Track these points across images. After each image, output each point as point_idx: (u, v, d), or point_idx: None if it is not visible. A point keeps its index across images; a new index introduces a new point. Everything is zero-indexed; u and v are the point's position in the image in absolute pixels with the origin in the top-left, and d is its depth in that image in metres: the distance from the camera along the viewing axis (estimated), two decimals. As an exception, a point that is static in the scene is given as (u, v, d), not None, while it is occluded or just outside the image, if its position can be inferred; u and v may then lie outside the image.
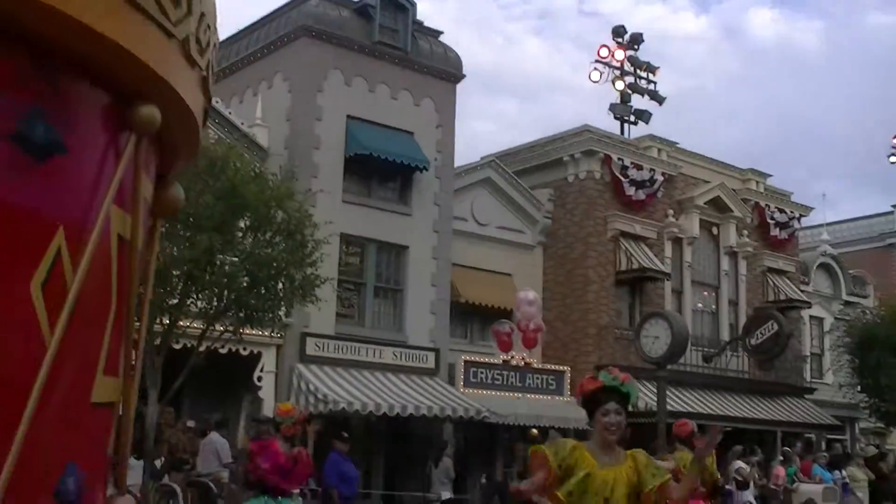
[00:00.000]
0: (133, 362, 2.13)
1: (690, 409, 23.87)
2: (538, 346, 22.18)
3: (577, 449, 5.22)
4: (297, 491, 10.38)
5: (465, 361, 21.62)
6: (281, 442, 9.44)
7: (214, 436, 15.21)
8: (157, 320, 14.10)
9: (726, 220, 27.72)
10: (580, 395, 5.46)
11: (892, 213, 37.86)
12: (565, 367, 23.39)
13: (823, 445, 28.08)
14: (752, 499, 19.39)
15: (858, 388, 27.58)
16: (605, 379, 5.38)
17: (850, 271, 33.74)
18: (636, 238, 25.32)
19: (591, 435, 5.40)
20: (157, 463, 14.27)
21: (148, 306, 2.25)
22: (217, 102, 20.01)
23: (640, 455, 5.36)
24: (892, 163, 39.05)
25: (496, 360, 22.06)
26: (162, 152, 2.10)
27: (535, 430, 20.93)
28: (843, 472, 22.43)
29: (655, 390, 20.20)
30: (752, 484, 19.89)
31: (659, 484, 5.20)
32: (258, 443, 9.67)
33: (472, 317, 23.63)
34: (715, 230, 27.78)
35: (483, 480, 18.55)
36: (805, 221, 31.33)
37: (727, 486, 19.57)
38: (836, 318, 31.42)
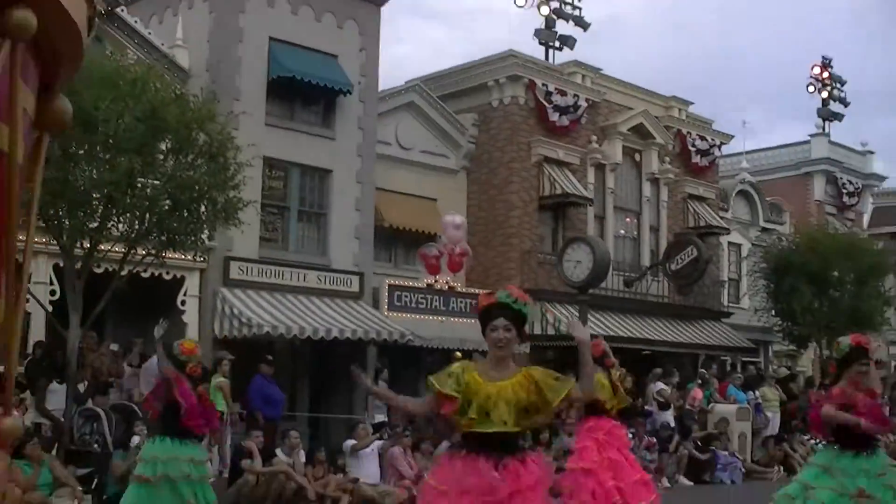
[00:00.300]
0: (19, 284, 2.07)
1: (611, 333, 24.29)
2: (462, 271, 22.32)
3: (466, 370, 5.27)
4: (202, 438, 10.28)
5: (390, 285, 21.69)
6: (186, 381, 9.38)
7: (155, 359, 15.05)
8: (78, 244, 13.93)
9: (648, 146, 27.99)
10: (478, 311, 5.55)
11: (808, 142, 38.53)
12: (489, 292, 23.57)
13: (738, 367, 28.88)
14: (671, 419, 19.93)
15: (773, 312, 28.34)
16: (500, 296, 5.45)
17: (768, 199, 34.41)
18: (559, 163, 25.47)
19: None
20: (81, 387, 14.19)
21: (34, 226, 2.18)
22: (136, 22, 19.60)
23: (536, 371, 5.38)
24: (811, 93, 39.67)
25: (420, 284, 22.17)
26: (44, 62, 2.01)
27: (458, 354, 21.16)
28: (757, 393, 23.13)
29: (577, 314, 20.54)
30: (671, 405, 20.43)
31: (561, 399, 5.24)
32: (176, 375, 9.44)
33: (396, 241, 23.68)
34: (637, 157, 28.04)
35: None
36: (725, 149, 31.73)
37: (647, 408, 20.12)
38: (753, 245, 32.11)
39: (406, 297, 21.85)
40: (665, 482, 18.76)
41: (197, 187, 14.04)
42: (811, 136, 38.76)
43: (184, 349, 9.51)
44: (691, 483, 19.16)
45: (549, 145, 25.22)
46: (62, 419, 13.34)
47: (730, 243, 32.14)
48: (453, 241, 21.51)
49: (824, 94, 39.62)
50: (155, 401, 9.53)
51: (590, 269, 19.57)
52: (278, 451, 13.98)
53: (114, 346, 16.46)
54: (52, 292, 16.44)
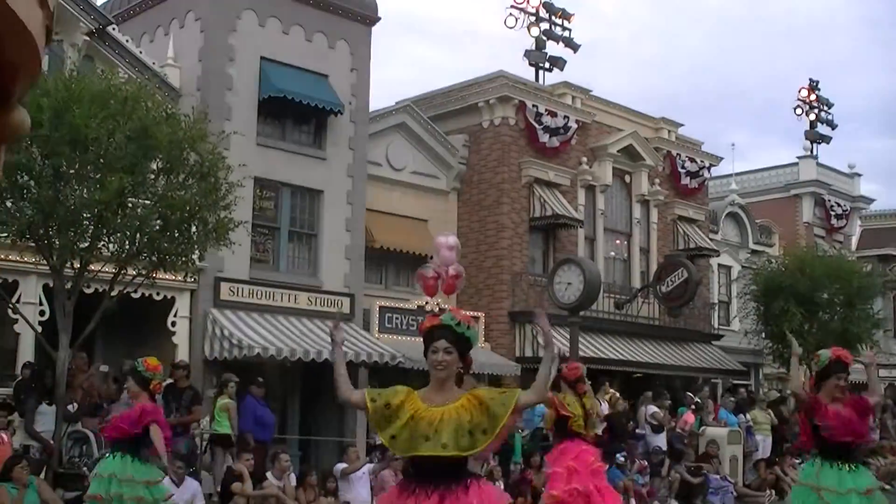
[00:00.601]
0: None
1: (602, 355, 24.28)
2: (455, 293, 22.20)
3: (409, 395, 5.19)
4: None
5: (380, 307, 21.59)
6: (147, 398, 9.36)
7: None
8: (68, 264, 13.80)
9: (638, 168, 28.02)
10: (420, 331, 5.47)
11: (797, 164, 38.65)
12: (479, 314, 23.53)
13: (729, 390, 28.82)
14: (662, 443, 19.83)
15: (763, 334, 28.31)
16: (443, 318, 5.36)
17: (757, 221, 34.46)
18: (550, 185, 25.46)
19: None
20: (70, 408, 14.04)
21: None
22: (128, 41, 19.51)
23: (481, 391, 5.28)
24: (798, 115, 39.83)
25: (411, 306, 22.08)
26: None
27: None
28: (748, 416, 23.06)
29: (568, 336, 20.46)
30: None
31: (511, 410, 5.13)
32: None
33: (387, 262, 23.59)
34: (627, 178, 28.06)
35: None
36: (714, 171, 31.82)
37: (639, 431, 20.01)
38: (742, 267, 32.15)
39: (397, 318, 21.76)
40: (657, 506, 18.66)
41: (188, 207, 13.93)
42: (799, 158, 38.88)
43: (148, 366, 9.50)
44: (683, 507, 19.05)
45: (540, 166, 25.20)
46: (51, 441, 13.17)
47: (720, 265, 32.14)
48: (446, 263, 21.36)
49: (811, 117, 39.80)
50: (126, 424, 9.35)
51: (580, 291, 19.48)
52: (269, 475, 13.86)
53: (104, 368, 16.32)
54: (42, 312, 16.29)
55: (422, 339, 5.37)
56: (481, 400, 5.12)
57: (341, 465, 14.47)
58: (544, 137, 25.17)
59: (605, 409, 19.73)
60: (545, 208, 25.01)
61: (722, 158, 31.65)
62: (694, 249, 28.72)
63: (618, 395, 19.71)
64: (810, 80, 40.39)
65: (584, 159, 26.56)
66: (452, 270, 21.44)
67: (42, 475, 12.58)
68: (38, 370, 14.96)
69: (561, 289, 19.88)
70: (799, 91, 39.90)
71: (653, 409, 20.44)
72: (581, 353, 20.25)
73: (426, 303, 22.12)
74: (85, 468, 13.37)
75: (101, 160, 13.28)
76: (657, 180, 28.50)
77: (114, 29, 19.30)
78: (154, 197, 14.02)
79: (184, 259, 14.55)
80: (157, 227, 13.95)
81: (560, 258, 22.92)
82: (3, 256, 14.77)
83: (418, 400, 5.15)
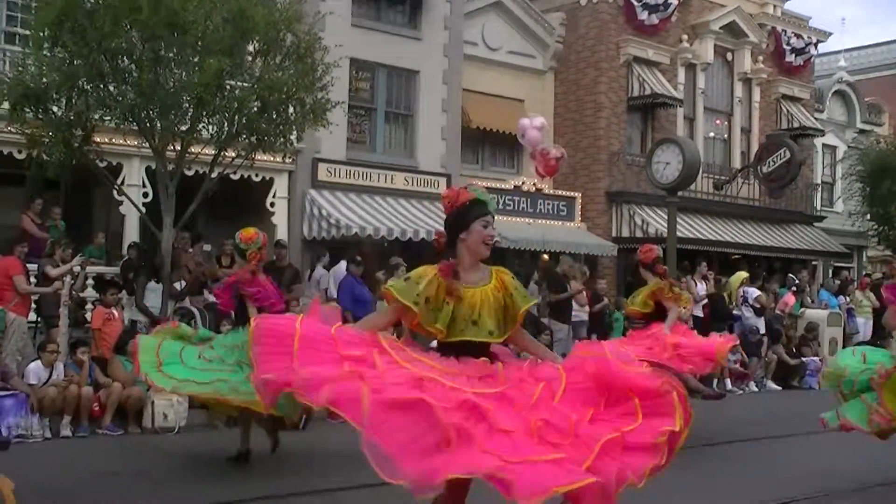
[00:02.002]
0: None
1: (700, 236, 24.05)
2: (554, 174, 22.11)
3: (438, 278, 4.77)
4: None
5: (476, 188, 21.56)
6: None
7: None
8: (170, 146, 14.09)
9: (741, 45, 27.23)
10: (455, 206, 4.92)
11: (909, 39, 37.15)
12: (576, 194, 23.43)
13: (830, 273, 28.38)
14: (761, 325, 19.71)
15: (868, 216, 27.65)
16: (480, 194, 4.98)
17: (866, 99, 33.32)
18: (649, 63, 24.93)
19: (458, 253, 4.90)
20: (177, 286, 14.49)
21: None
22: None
23: (506, 275, 4.93)
24: (914, -14, 38.08)
25: (507, 186, 22.07)
26: None
27: (545, 256, 21.16)
28: (849, 299, 22.74)
29: (666, 217, 20.29)
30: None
31: (527, 307, 4.89)
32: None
33: (482, 143, 23.54)
34: (729, 56, 27.32)
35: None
36: (822, 48, 30.73)
37: (735, 312, 19.90)
38: (849, 147, 31.26)
39: (493, 198, 21.73)
40: (752, 386, 18.67)
41: (285, 88, 14.00)
42: (912, 32, 37.28)
43: (243, 237, 9.41)
44: (779, 388, 19.02)
45: (639, 44, 24.66)
46: (160, 317, 13.64)
47: (824, 145, 31.33)
48: (534, 143, 21.23)
49: (928, -11, 38.01)
50: (228, 295, 9.53)
51: (679, 171, 19.14)
52: (366, 351, 14.11)
53: (207, 247, 16.73)
54: (145, 195, 16.74)
55: (453, 213, 4.92)
56: (507, 286, 4.86)
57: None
58: (643, 15, 24.57)
59: (702, 290, 19.64)
60: (644, 87, 24.56)
61: (830, 34, 30.48)
62: (797, 129, 27.98)
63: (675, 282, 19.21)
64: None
65: (685, 37, 25.90)
66: (556, 152, 21.37)
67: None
68: (144, 250, 15.43)
69: (659, 168, 19.57)
70: (915, -39, 38.08)
71: (755, 291, 20.25)
72: (679, 234, 20.07)
73: (522, 182, 22.14)
74: (190, 344, 13.84)
75: (199, 43, 13.38)
76: (760, 58, 27.69)
77: None
78: (251, 79, 14.14)
79: (282, 140, 14.70)
80: (255, 109, 14.09)
81: (659, 138, 22.56)
82: (107, 140, 15.10)
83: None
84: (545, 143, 21.12)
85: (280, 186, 19.01)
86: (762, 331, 19.53)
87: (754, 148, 26.40)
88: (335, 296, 15.69)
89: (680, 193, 20.35)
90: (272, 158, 16.59)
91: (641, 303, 11.20)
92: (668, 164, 19.54)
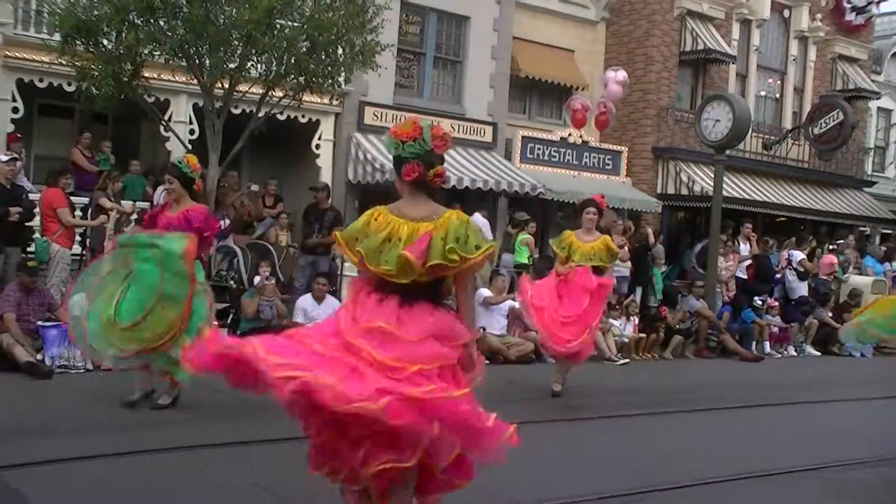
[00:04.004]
0: None
1: (746, 196, 23.78)
2: (584, 127, 21.97)
3: (377, 213, 4.82)
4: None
5: (523, 137, 21.46)
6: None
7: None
8: (218, 84, 14.07)
9: (799, 2, 26.68)
10: (404, 138, 4.81)
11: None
12: (623, 148, 23.20)
13: (878, 239, 27.99)
14: (804, 290, 19.53)
15: (920, 182, 27.23)
16: (424, 125, 4.84)
17: (926, 61, 32.61)
18: (703, 18, 24.50)
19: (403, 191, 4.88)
20: (221, 224, 14.54)
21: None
22: None
23: (453, 219, 4.73)
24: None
25: (554, 137, 21.90)
26: None
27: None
28: (894, 265, 22.44)
29: (712, 175, 20.07)
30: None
31: (472, 257, 4.64)
32: None
33: (531, 92, 23.32)
34: (786, 13, 26.79)
35: (536, 255, 18.75)
36: (884, 7, 30.09)
37: (777, 275, 19.73)
38: (904, 110, 30.69)
39: (539, 149, 21.62)
40: (791, 350, 18.53)
41: (335, 29, 13.91)
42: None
43: (189, 162, 8.81)
44: (818, 353, 18.85)
45: (694, -2, 24.27)
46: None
47: (879, 108, 30.74)
48: (613, 98, 21.03)
49: None
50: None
51: (728, 129, 18.90)
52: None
53: (254, 187, 16.78)
54: (192, 131, 16.77)
55: (403, 147, 4.82)
56: (447, 228, 4.68)
57: (485, 293, 14.58)
58: (700, -33, 24.13)
59: (745, 250, 19.47)
60: (697, 42, 24.16)
61: (892, -6, 29.83)
62: (852, 90, 27.42)
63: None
64: None
65: (742, -9, 25.45)
66: (609, 105, 21.07)
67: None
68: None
69: (708, 125, 19.34)
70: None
71: (799, 255, 20.04)
72: (724, 193, 19.85)
73: (569, 134, 21.93)
74: (232, 282, 13.94)
75: (251, -21, 13.31)
76: (819, 15, 27.12)
77: None
78: (301, 18, 14.05)
79: (330, 81, 14.63)
80: (304, 49, 14.02)
81: (709, 94, 22.24)
82: (155, 75, 15.11)
83: (388, 214, 4.80)
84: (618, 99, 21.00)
85: (326, 128, 18.97)
86: (805, 294, 19.38)
87: (806, 108, 25.93)
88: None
89: (728, 152, 20.12)
90: (319, 100, 16.53)
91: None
92: (718, 122, 19.31)
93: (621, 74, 21.17)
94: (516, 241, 17.55)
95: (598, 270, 10.58)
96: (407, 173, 4.81)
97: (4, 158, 12.55)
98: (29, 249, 12.66)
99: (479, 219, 16.98)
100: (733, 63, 25.08)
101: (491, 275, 15.19)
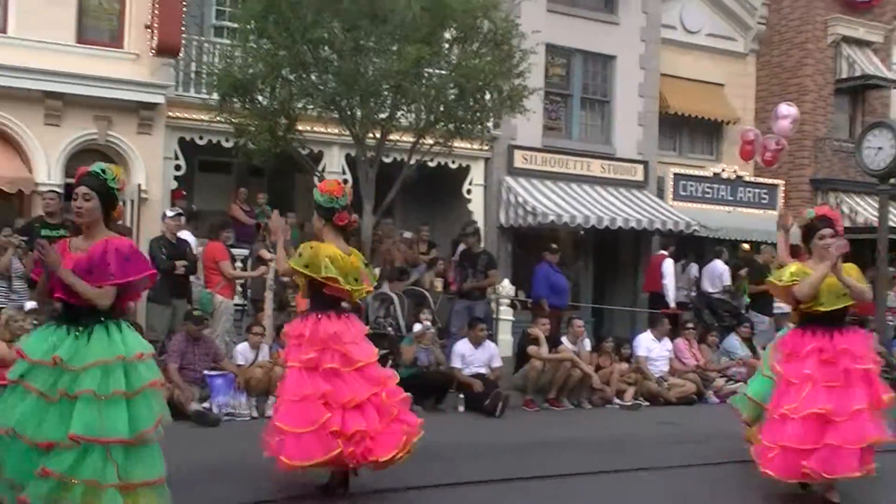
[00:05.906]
0: None
1: (913, 225, 22.77)
2: (751, 160, 21.44)
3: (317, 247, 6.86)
4: None
5: (675, 174, 21.13)
6: None
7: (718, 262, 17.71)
8: (369, 134, 14.32)
9: (962, 21, 25.64)
10: (337, 194, 7.00)
11: None
12: (779, 181, 22.58)
13: None
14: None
15: None
16: (347, 185, 7.25)
17: None
18: (860, 43, 23.76)
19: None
20: (376, 272, 14.71)
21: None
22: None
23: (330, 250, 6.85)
24: None
25: (706, 173, 21.50)
26: None
27: (746, 245, 20.47)
28: None
29: (876, 205, 19.32)
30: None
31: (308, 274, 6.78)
32: None
33: (681, 128, 22.97)
34: (949, 33, 25.77)
35: (693, 293, 18.35)
36: None
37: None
38: None
39: (692, 186, 21.26)
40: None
41: (482, 75, 13.99)
42: None
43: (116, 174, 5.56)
44: None
45: (848, 23, 23.54)
46: (359, 302, 13.88)
47: None
48: (782, 133, 20.50)
49: None
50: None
51: (892, 157, 18.14)
52: (563, 339, 14.03)
53: (407, 234, 16.95)
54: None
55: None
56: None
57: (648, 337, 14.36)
58: (853, -9, 23.47)
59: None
60: (853, 69, 23.44)
61: None
62: None
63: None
64: None
65: (900, 14, 24.60)
66: (780, 143, 20.46)
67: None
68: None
69: (870, 154, 18.61)
70: None
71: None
72: (891, 224, 19.06)
73: (722, 170, 21.54)
74: (389, 328, 14.05)
75: (398, 31, 13.53)
76: (984, 34, 25.98)
77: None
78: (449, 66, 14.21)
79: (479, 127, 14.72)
80: (453, 96, 14.16)
81: (869, 122, 21.47)
82: (309, 128, 15.48)
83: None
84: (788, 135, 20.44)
85: (476, 173, 19.08)
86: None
87: (975, 131, 24.79)
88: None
89: (893, 181, 19.35)
90: (469, 145, 16.67)
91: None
92: (881, 150, 18.57)
93: (794, 110, 20.48)
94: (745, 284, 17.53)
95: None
96: (340, 219, 6.90)
97: (171, 213, 13.03)
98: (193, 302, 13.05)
99: (718, 265, 17.64)
100: (894, 88, 24.21)
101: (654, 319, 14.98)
